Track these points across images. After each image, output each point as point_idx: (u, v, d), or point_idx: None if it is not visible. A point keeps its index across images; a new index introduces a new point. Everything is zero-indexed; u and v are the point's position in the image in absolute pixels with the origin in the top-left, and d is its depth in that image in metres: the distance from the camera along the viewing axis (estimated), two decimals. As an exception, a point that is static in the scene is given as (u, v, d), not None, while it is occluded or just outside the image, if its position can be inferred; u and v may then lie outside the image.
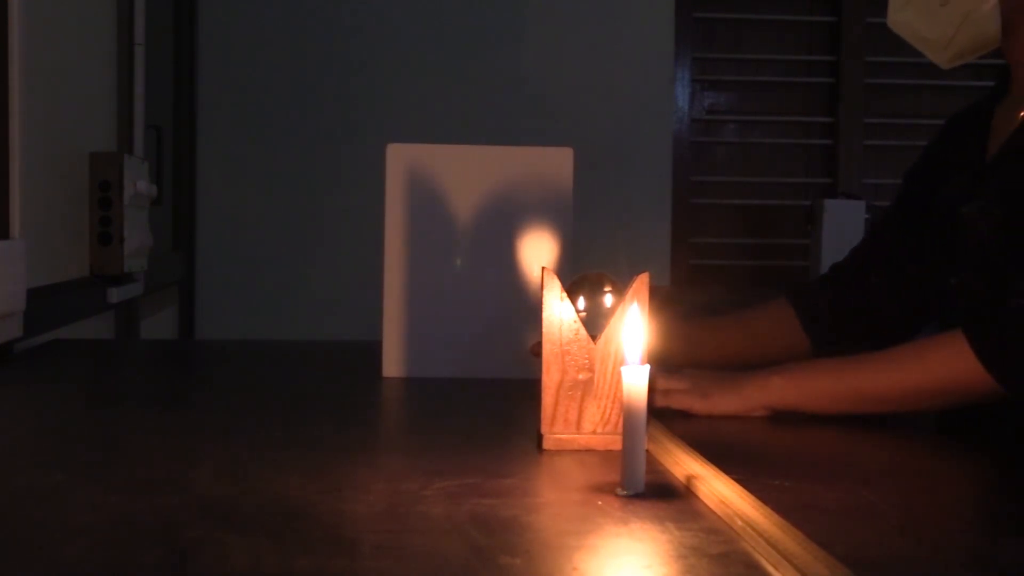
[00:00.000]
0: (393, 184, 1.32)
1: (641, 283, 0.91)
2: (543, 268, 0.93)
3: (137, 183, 1.94)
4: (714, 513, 0.73)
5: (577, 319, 0.92)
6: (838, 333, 1.33)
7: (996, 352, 1.01)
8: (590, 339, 0.92)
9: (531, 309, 1.29)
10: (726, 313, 1.39)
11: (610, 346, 0.92)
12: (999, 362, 1.00)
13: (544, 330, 0.92)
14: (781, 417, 1.11)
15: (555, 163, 1.33)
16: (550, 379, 0.92)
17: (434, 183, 1.32)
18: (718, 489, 0.75)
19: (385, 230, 1.33)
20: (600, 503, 0.75)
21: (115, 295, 1.93)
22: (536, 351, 1.26)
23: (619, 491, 0.78)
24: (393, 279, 1.33)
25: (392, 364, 1.33)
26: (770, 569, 0.61)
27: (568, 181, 1.34)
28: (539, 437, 0.92)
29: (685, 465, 0.83)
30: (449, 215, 1.32)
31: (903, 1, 1.28)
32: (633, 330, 0.80)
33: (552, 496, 0.79)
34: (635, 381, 0.78)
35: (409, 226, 1.33)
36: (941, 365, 1.04)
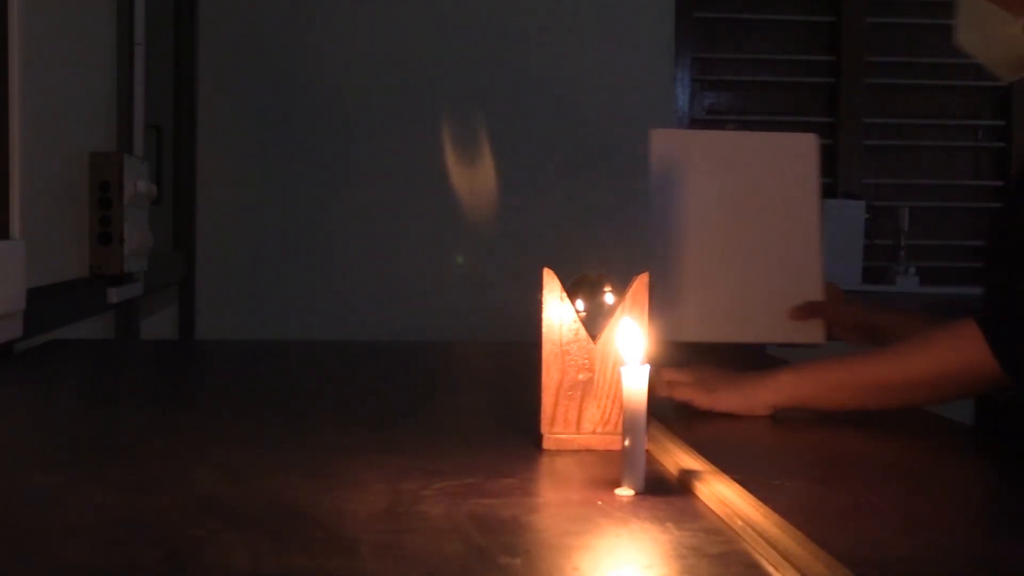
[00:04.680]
0: (656, 166, 1.47)
1: (641, 283, 0.91)
2: (544, 268, 0.92)
3: (137, 183, 1.94)
4: (714, 513, 0.73)
5: (577, 319, 0.92)
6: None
7: (1004, 337, 1.01)
8: (590, 339, 0.92)
9: (782, 280, 1.44)
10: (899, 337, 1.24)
11: (610, 346, 0.92)
12: (1006, 348, 1.01)
13: (544, 330, 0.92)
14: (781, 417, 1.11)
15: (800, 148, 1.47)
16: (550, 379, 0.92)
17: (691, 165, 1.46)
18: (718, 489, 0.75)
19: (650, 208, 1.47)
20: (600, 503, 0.75)
21: (115, 295, 1.93)
22: (794, 315, 1.43)
23: (619, 491, 0.78)
24: (659, 254, 1.45)
25: (665, 330, 1.39)
26: (770, 569, 0.61)
27: (813, 164, 1.46)
28: (539, 437, 0.92)
29: (685, 465, 0.83)
30: (704, 194, 1.46)
31: (970, 23, 1.36)
32: (632, 331, 0.80)
33: (552, 496, 0.79)
34: (635, 381, 0.78)
35: (671, 204, 1.46)
36: (949, 351, 1.06)
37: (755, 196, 1.45)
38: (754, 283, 1.44)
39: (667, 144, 1.47)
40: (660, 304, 1.37)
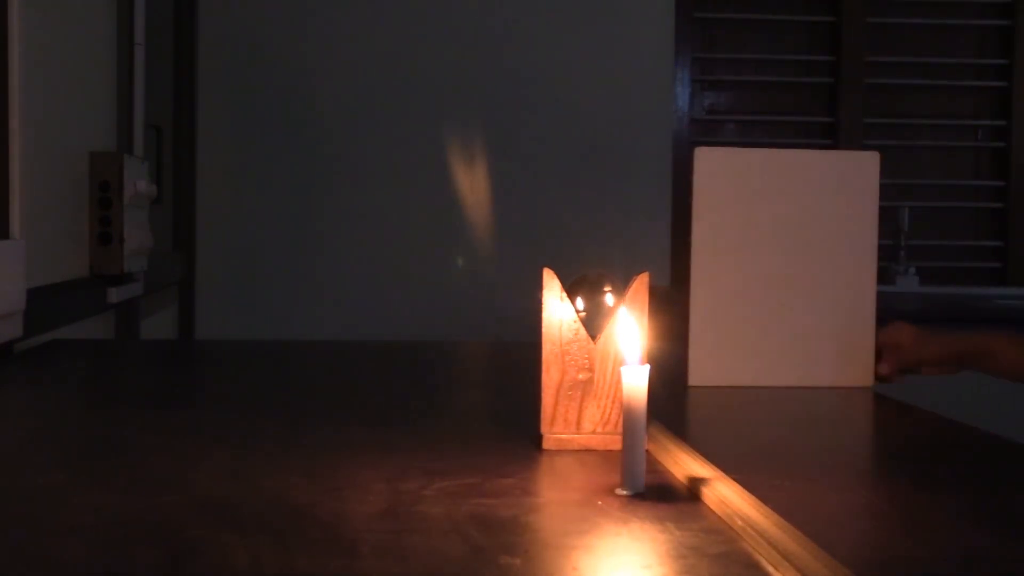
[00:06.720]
0: (700, 187, 1.33)
1: (641, 283, 0.91)
2: (544, 268, 0.93)
3: (137, 183, 1.94)
4: (714, 513, 0.73)
5: (577, 319, 0.92)
6: None
7: None
8: (590, 339, 0.92)
9: (832, 317, 1.32)
10: None
11: (610, 346, 0.92)
12: None
13: (544, 330, 0.92)
14: (781, 417, 1.11)
15: (861, 168, 1.33)
16: (550, 379, 0.92)
17: (739, 185, 1.32)
18: (718, 489, 0.75)
19: (693, 232, 1.32)
20: (600, 503, 0.75)
21: (115, 295, 1.93)
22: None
23: (619, 491, 0.78)
24: (701, 282, 1.31)
25: (700, 373, 1.30)
26: (770, 569, 0.61)
27: (874, 187, 1.33)
28: (539, 437, 0.92)
29: (685, 465, 0.83)
30: (755, 218, 1.32)
31: None
32: (632, 330, 0.80)
33: (552, 496, 0.79)
34: (635, 381, 0.78)
35: (716, 229, 1.32)
36: None
37: (809, 222, 1.32)
38: (802, 320, 1.31)
39: (713, 163, 1.32)
40: (699, 344, 1.29)
